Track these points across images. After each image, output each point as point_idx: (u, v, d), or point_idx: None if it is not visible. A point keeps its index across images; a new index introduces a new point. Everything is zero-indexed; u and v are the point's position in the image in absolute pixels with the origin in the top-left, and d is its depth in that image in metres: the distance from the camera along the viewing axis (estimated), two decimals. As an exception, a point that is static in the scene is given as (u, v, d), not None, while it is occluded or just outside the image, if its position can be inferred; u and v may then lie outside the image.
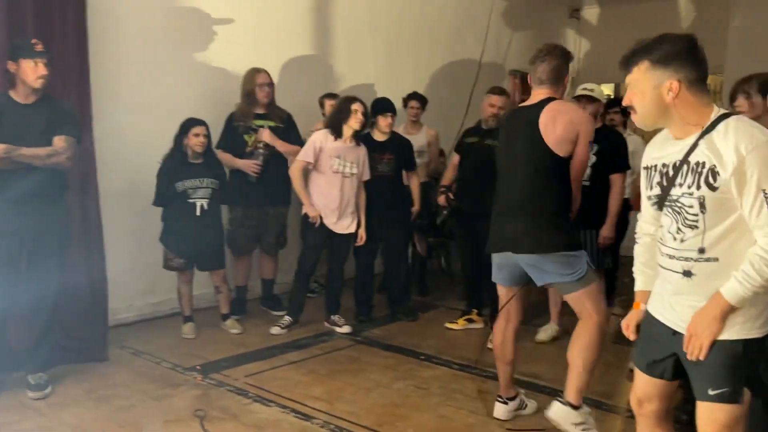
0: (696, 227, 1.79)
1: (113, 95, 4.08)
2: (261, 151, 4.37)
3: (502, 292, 3.05)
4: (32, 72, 3.01)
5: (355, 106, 4.13)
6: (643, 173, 1.97)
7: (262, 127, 4.41)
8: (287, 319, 4.36)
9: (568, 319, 4.58)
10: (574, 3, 8.72)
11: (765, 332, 1.78)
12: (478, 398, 3.35)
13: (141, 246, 4.25)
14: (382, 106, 4.48)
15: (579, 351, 2.86)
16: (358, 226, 4.35)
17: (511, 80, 7.89)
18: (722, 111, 1.80)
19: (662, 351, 1.92)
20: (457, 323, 4.55)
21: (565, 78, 2.88)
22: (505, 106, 4.16)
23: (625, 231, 4.28)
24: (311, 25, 5.44)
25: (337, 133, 4.16)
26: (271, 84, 4.43)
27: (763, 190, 1.66)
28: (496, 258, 2.95)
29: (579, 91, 4.01)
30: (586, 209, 3.31)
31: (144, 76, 4.29)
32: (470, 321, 4.56)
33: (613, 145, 3.94)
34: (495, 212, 2.94)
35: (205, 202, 4.05)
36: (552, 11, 8.53)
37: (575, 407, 2.83)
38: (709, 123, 1.77)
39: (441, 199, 4.37)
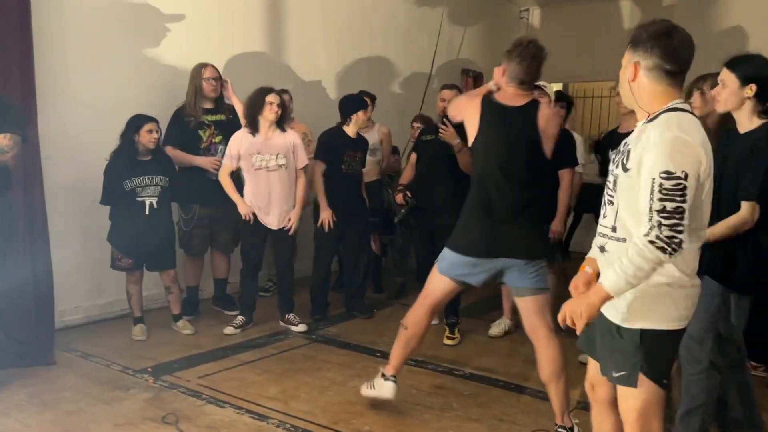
0: (612, 203, 1.88)
1: (58, 90, 3.95)
2: (220, 147, 4.31)
3: (446, 286, 3.01)
4: None
5: (270, 98, 4.09)
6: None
7: (212, 122, 4.35)
8: (240, 318, 4.31)
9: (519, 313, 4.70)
10: (522, 3, 8.88)
11: (674, 327, 1.85)
12: (433, 393, 3.39)
13: (88, 245, 4.13)
14: (358, 102, 4.52)
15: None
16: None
17: (464, 79, 7.98)
18: (676, 104, 1.81)
19: (595, 331, 1.99)
20: (411, 320, 4.58)
21: None
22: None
23: (575, 226, 4.41)
24: (263, 19, 5.38)
25: (254, 128, 4.13)
26: (218, 78, 4.37)
27: (653, 179, 1.69)
28: (472, 258, 2.87)
29: None
30: None
31: (90, 71, 4.17)
32: (425, 317, 4.59)
33: (562, 141, 4.03)
34: (482, 216, 2.84)
35: (154, 201, 3.95)
36: (503, 11, 8.67)
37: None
38: (657, 112, 1.81)
39: (399, 197, 4.38)
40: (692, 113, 1.85)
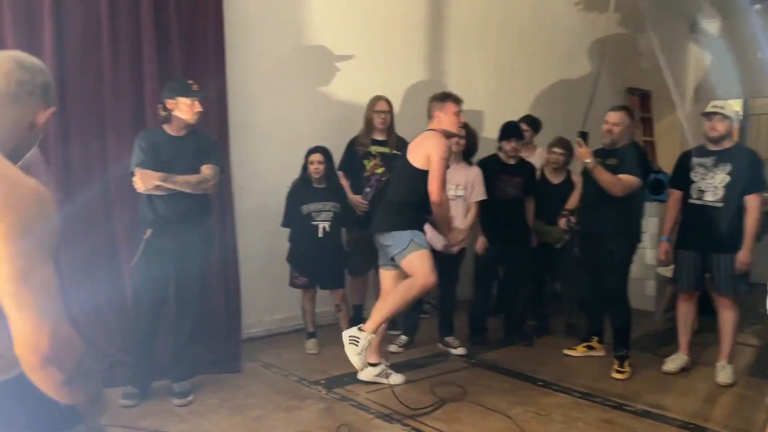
0: None
1: (247, 126, 4.41)
2: (373, 183, 4.51)
3: (389, 277, 3.72)
4: (189, 109, 3.34)
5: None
6: None
7: (378, 153, 4.59)
8: (403, 338, 4.47)
9: (699, 348, 4.38)
10: (694, 16, 8.35)
11: None
12: (600, 427, 3.27)
13: (270, 265, 4.51)
14: (506, 131, 4.55)
15: (395, 292, 3.52)
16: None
17: (629, 98, 7.65)
18: None
19: None
20: (576, 350, 4.46)
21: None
22: (621, 123, 4.00)
23: None
24: (423, 53, 5.60)
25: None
26: (387, 111, 4.56)
27: None
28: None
29: (709, 108, 3.85)
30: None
31: (274, 108, 4.61)
32: (590, 348, 4.44)
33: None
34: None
35: (327, 225, 4.25)
36: (671, 26, 8.21)
37: (373, 365, 3.70)
38: None
39: (562, 222, 4.32)
40: None
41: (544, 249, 4.79)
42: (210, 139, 3.59)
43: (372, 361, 3.71)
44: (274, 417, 3.30)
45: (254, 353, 4.25)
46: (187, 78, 3.48)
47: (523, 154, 5.04)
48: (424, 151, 3.54)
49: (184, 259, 3.43)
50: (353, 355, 3.47)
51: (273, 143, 4.57)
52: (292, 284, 4.35)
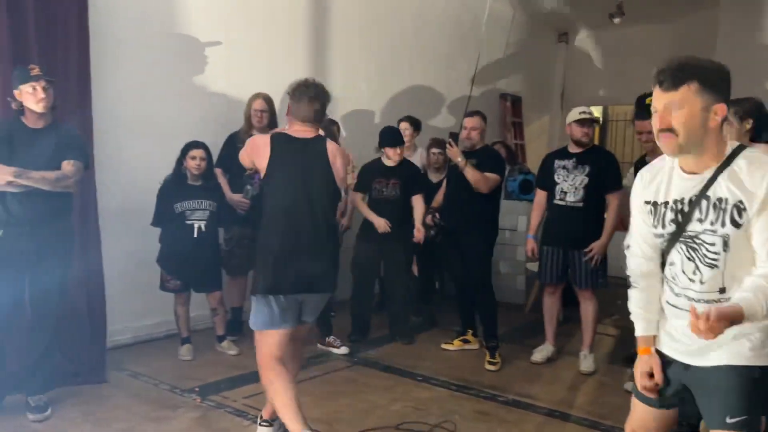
0: (716, 266, 1.72)
1: (113, 117, 4.10)
2: (256, 181, 4.39)
3: (284, 338, 2.79)
4: (31, 96, 3.05)
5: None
6: (644, 208, 1.87)
7: None
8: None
9: (564, 338, 4.67)
10: (561, 27, 8.91)
11: None
12: (476, 419, 3.38)
13: (138, 267, 4.25)
14: (391, 138, 4.60)
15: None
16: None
17: (502, 103, 8.03)
18: (737, 143, 1.76)
19: (672, 386, 1.89)
20: (452, 344, 4.59)
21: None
22: (478, 126, 4.31)
23: None
24: (307, 50, 5.52)
25: None
26: (265, 110, 4.45)
27: None
28: (282, 302, 2.73)
29: (577, 115, 4.11)
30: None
31: (144, 99, 4.33)
32: (465, 341, 4.60)
33: (608, 165, 4.14)
34: (278, 249, 2.72)
35: (202, 224, 4.07)
36: (541, 36, 8.71)
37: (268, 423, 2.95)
38: (726, 156, 1.71)
39: (428, 219, 4.52)
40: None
41: (428, 246, 4.91)
42: (73, 132, 3.30)
43: (266, 417, 3.01)
44: (141, 429, 3.11)
45: (121, 362, 3.98)
46: (45, 65, 3.19)
47: (405, 154, 5.14)
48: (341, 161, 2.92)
49: (40, 262, 3.14)
50: None
51: (141, 137, 4.29)
52: (164, 288, 4.12)
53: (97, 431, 3.08)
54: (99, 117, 3.90)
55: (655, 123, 1.73)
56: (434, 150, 5.18)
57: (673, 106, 1.68)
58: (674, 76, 1.68)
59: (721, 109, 1.68)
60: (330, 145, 2.88)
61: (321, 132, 2.97)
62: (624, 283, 2.02)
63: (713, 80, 1.69)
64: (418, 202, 4.65)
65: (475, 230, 4.27)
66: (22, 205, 3.05)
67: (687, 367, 1.84)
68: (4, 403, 3.21)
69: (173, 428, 3.14)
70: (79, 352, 3.68)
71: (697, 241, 1.75)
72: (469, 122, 4.32)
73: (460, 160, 4.15)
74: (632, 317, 1.97)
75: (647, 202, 1.87)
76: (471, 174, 4.15)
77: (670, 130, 1.69)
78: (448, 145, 4.27)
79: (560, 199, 4.13)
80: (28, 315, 3.24)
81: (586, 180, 4.05)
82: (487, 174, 4.20)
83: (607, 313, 5.13)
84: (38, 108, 3.08)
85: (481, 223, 4.29)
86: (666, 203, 1.82)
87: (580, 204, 4.07)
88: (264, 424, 2.98)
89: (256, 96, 4.47)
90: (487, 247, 4.37)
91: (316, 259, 2.76)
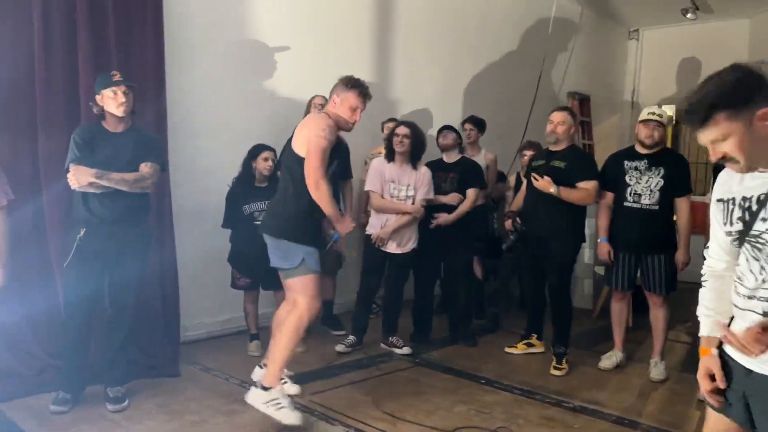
0: None
1: (186, 121, 4.29)
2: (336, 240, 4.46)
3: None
4: (112, 101, 3.22)
5: (399, 130, 4.37)
6: (717, 206, 1.83)
7: None
8: (352, 338, 4.45)
9: (633, 345, 4.53)
10: (632, 24, 8.65)
11: None
12: (541, 424, 3.33)
13: (210, 266, 4.40)
14: (440, 129, 4.67)
15: (285, 334, 3.18)
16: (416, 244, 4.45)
17: (570, 102, 7.86)
18: None
19: (734, 392, 1.80)
20: (516, 347, 4.54)
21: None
22: (565, 122, 4.10)
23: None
24: (371, 53, 5.59)
25: (390, 158, 4.39)
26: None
27: None
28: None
29: (645, 116, 3.98)
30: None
31: (214, 103, 4.50)
32: (530, 345, 4.53)
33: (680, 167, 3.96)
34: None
35: (270, 224, 4.18)
36: (610, 32, 8.48)
37: (266, 388, 3.12)
38: None
39: (508, 224, 4.39)
40: None
41: (491, 248, 4.87)
42: (150, 136, 3.47)
43: (266, 384, 3.15)
44: (213, 422, 3.22)
45: (194, 356, 4.14)
46: (124, 71, 3.36)
47: (468, 154, 5.12)
48: (306, 134, 3.12)
49: (119, 260, 3.31)
50: (287, 416, 3.04)
51: (212, 140, 4.46)
52: (234, 285, 4.26)
53: (171, 422, 3.21)
54: (173, 120, 4.08)
55: (712, 156, 1.67)
56: (528, 152, 4.99)
57: (716, 141, 1.63)
58: (697, 118, 1.62)
59: (764, 114, 1.58)
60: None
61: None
62: (697, 288, 1.96)
63: (738, 97, 1.59)
64: (470, 194, 4.58)
65: (564, 238, 4.09)
66: (102, 205, 3.21)
67: (749, 372, 1.75)
68: (85, 394, 3.39)
69: (244, 421, 3.23)
70: (154, 346, 3.85)
71: (761, 240, 1.68)
72: (556, 117, 4.12)
73: (552, 190, 3.97)
74: (699, 316, 1.93)
75: (719, 200, 1.82)
76: (571, 195, 3.99)
77: (728, 159, 1.64)
78: (533, 180, 4.08)
79: (634, 202, 3.97)
80: (107, 310, 3.42)
81: (662, 182, 3.91)
82: (585, 185, 4.00)
83: (679, 319, 4.95)
84: (119, 112, 3.24)
85: (569, 231, 4.11)
86: (733, 200, 1.76)
87: (656, 207, 3.92)
88: (283, 381, 3.29)
89: (315, 96, 4.61)
90: (573, 254, 4.22)
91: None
